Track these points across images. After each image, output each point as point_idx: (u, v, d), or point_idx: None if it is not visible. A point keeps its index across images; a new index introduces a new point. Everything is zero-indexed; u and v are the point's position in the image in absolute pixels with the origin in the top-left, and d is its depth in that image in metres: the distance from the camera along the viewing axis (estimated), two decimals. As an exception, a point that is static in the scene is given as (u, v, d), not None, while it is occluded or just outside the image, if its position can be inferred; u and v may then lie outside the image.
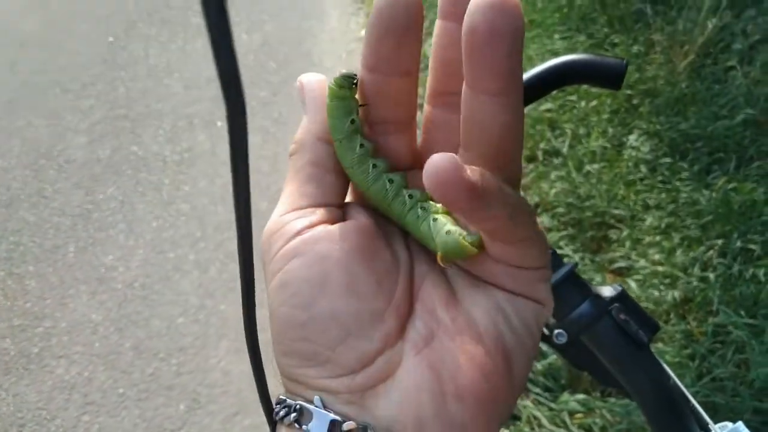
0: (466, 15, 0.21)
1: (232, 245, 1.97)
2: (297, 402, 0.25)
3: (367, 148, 0.27)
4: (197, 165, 2.27)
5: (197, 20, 3.22)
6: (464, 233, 0.24)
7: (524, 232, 0.23)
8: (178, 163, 2.27)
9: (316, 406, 0.25)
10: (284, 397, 0.26)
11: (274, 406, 0.26)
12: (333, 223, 0.26)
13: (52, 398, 1.57)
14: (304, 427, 0.24)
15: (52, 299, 1.79)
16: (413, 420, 0.24)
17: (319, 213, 0.26)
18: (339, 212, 0.27)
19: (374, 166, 0.27)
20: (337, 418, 0.24)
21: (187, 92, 2.64)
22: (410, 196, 0.26)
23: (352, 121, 0.26)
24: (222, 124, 2.47)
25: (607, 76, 0.51)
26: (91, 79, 2.71)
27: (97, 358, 1.66)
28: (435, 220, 0.25)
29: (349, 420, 0.24)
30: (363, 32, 3.15)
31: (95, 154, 2.31)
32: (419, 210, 0.26)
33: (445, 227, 0.24)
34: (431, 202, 0.26)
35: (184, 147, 2.34)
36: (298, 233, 0.25)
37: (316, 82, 0.28)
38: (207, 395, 1.58)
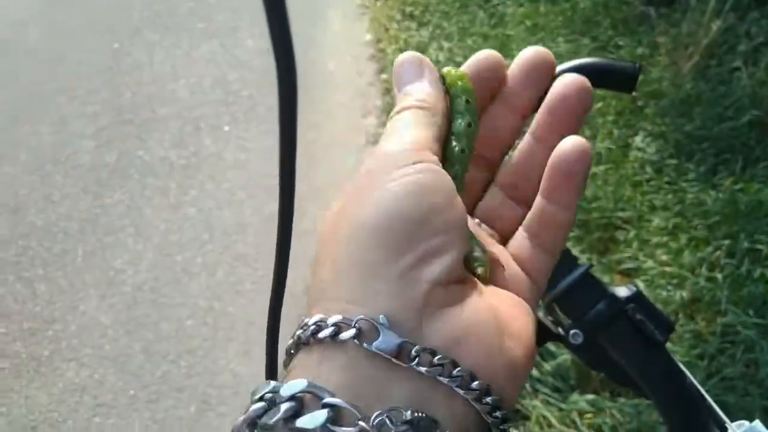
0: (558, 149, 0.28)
1: (239, 248, 1.98)
2: (357, 317, 0.23)
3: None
4: (203, 169, 2.28)
5: (202, 25, 3.23)
6: (478, 259, 0.28)
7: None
8: (184, 167, 2.28)
9: (382, 324, 0.23)
10: (323, 316, 0.24)
11: (306, 325, 0.24)
12: None
13: (63, 400, 1.57)
14: (365, 345, 0.23)
15: (61, 303, 1.79)
16: (482, 346, 0.24)
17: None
18: None
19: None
20: (408, 339, 0.23)
21: (192, 97, 2.65)
22: None
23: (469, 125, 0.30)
24: (229, 128, 2.48)
25: (621, 80, 0.51)
26: (96, 86, 2.72)
27: (107, 360, 1.66)
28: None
29: (416, 343, 0.23)
30: (367, 36, 3.17)
31: (102, 159, 2.32)
32: None
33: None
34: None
35: (190, 151, 2.35)
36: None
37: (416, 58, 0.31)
38: (217, 396, 1.58)
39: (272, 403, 0.22)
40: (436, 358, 0.23)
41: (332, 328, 0.23)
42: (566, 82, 0.30)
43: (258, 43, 3.10)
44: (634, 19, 2.64)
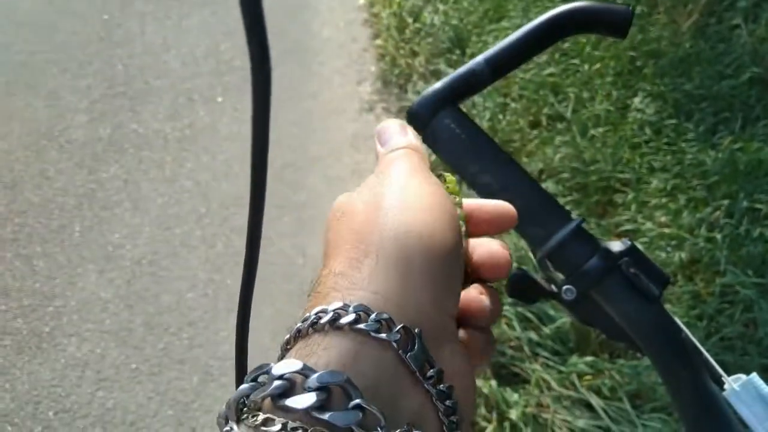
0: None
1: (237, 220, 1.98)
2: (399, 325, 0.23)
3: None
4: (199, 141, 2.26)
5: (192, -6, 3.17)
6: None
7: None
8: (179, 140, 2.26)
9: (419, 336, 0.24)
10: (366, 307, 0.24)
11: (309, 314, 0.24)
12: None
13: (66, 375, 1.59)
14: (401, 352, 0.23)
15: (60, 279, 1.80)
16: (465, 392, 0.26)
17: None
18: None
19: None
20: (431, 358, 0.24)
21: (185, 68, 2.61)
22: None
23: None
24: (222, 100, 2.46)
25: (613, 24, 0.49)
26: (88, 58, 2.68)
27: (108, 335, 1.67)
28: None
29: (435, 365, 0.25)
30: (361, 1, 3.11)
31: (96, 133, 2.30)
32: None
33: None
34: None
35: (184, 123, 2.33)
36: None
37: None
38: (219, 368, 1.59)
39: (262, 384, 0.22)
40: (441, 385, 0.24)
41: (375, 323, 0.23)
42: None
43: (250, 10, 3.04)
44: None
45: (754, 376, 0.46)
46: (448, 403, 0.24)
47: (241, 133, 2.28)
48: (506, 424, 1.37)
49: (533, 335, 1.53)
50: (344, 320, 0.23)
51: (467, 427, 0.25)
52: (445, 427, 0.24)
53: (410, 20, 2.80)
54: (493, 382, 1.44)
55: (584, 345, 1.51)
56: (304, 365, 0.22)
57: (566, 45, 2.33)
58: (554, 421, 1.37)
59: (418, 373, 0.23)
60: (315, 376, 0.21)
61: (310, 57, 2.73)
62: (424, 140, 0.53)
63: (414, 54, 2.63)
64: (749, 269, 1.58)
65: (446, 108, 0.51)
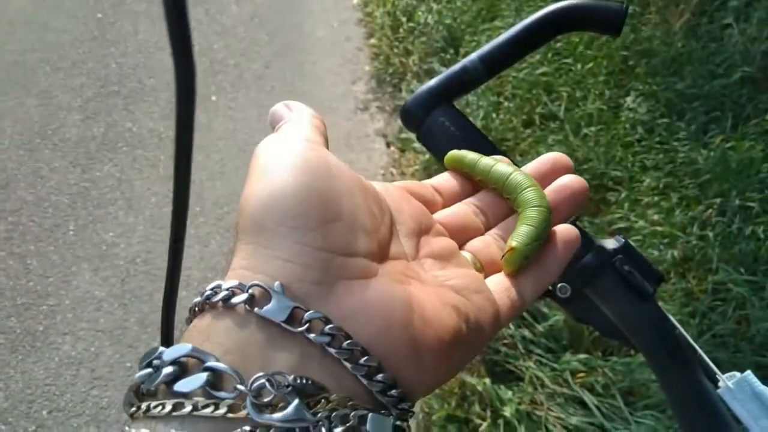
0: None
1: (231, 218, 1.98)
2: (252, 282, 0.23)
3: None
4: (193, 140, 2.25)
5: (186, -7, 3.16)
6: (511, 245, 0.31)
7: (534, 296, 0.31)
8: (173, 139, 2.25)
9: (276, 290, 0.23)
10: (220, 282, 0.24)
11: (204, 291, 0.24)
12: None
13: (60, 374, 1.58)
14: (256, 309, 0.22)
15: (54, 277, 1.79)
16: (382, 320, 0.24)
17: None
18: None
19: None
20: (300, 305, 0.23)
21: (179, 67, 2.61)
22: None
23: None
24: (216, 98, 2.45)
25: (607, 21, 0.50)
26: (82, 57, 2.67)
27: (102, 333, 1.67)
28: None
29: (310, 309, 0.23)
30: (355, 1, 3.11)
31: (90, 132, 2.29)
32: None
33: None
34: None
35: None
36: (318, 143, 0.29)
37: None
38: (213, 367, 1.59)
39: (157, 369, 0.22)
40: (328, 327, 0.23)
41: (225, 292, 0.23)
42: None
43: (243, 9, 3.04)
44: (625, -24, 2.60)
45: (749, 373, 0.46)
46: (345, 345, 0.23)
47: (235, 132, 2.28)
48: (500, 421, 1.38)
49: (527, 333, 1.54)
50: (200, 301, 0.24)
51: (401, 364, 0.24)
52: (351, 370, 0.23)
53: (404, 19, 2.80)
54: (487, 380, 1.44)
55: (577, 342, 1.51)
56: (160, 350, 0.22)
57: (559, 44, 2.34)
58: (548, 419, 1.38)
59: (284, 324, 0.22)
60: (163, 353, 0.22)
61: (303, 56, 2.73)
62: (419, 138, 0.53)
63: (408, 53, 2.64)
64: (741, 267, 1.59)
65: (440, 106, 0.52)
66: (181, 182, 0.24)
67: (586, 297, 0.50)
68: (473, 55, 0.52)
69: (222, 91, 2.49)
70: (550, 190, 0.34)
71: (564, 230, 0.32)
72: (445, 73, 0.52)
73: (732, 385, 0.46)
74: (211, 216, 1.97)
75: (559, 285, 0.50)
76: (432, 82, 0.52)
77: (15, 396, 1.54)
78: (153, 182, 2.09)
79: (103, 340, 1.65)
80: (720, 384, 0.47)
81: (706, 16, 2.32)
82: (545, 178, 0.35)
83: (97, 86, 2.51)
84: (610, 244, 0.50)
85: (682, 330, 0.51)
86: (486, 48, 0.52)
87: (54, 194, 2.05)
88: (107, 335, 1.66)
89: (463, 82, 0.52)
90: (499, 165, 0.35)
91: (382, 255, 0.27)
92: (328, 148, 0.29)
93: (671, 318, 0.50)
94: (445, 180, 0.37)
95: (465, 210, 0.35)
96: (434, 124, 0.51)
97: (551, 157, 0.36)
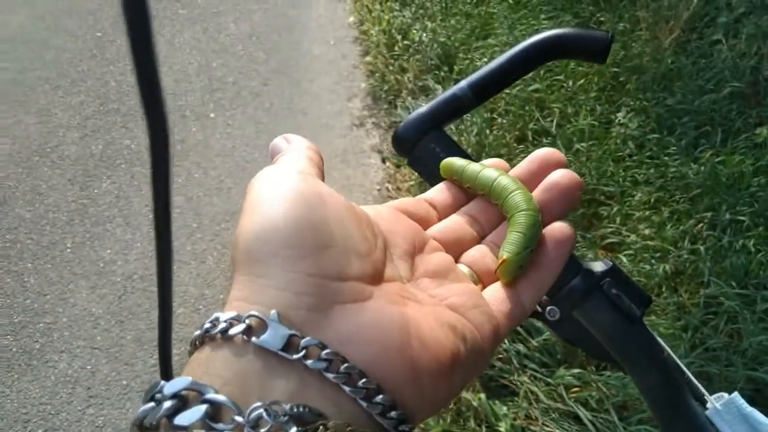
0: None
1: (228, 235, 1.99)
2: (248, 313, 0.23)
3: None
4: (191, 156, 2.27)
5: (184, 11, 3.21)
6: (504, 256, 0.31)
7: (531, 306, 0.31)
8: (171, 156, 2.27)
9: (272, 319, 0.23)
10: (219, 315, 0.24)
11: (205, 325, 0.24)
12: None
13: (56, 393, 1.59)
14: (253, 339, 0.23)
15: (51, 295, 1.80)
16: (378, 343, 0.24)
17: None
18: None
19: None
20: (296, 332, 0.23)
21: (177, 84, 2.64)
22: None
23: None
24: (214, 116, 2.48)
25: (592, 49, 0.50)
26: (81, 75, 2.70)
27: (99, 351, 1.67)
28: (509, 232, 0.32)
29: (306, 336, 0.23)
30: (351, 18, 3.15)
31: (88, 150, 2.31)
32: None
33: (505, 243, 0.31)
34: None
35: (176, 139, 2.34)
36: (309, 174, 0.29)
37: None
38: (210, 383, 1.60)
39: (158, 403, 0.22)
40: (324, 352, 0.23)
41: (224, 324, 0.23)
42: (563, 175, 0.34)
43: (241, 27, 3.08)
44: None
45: (736, 395, 0.46)
46: (342, 369, 0.23)
47: (233, 149, 2.30)
48: (495, 436, 1.39)
49: (521, 347, 1.55)
50: (199, 334, 0.24)
51: (400, 386, 0.24)
52: (349, 393, 0.23)
53: (399, 37, 2.84)
54: (482, 395, 1.45)
55: (571, 357, 1.52)
56: (161, 384, 0.22)
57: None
58: (542, 433, 1.38)
59: (281, 353, 0.23)
60: (164, 386, 0.22)
61: (301, 74, 2.75)
62: (410, 163, 0.54)
63: (403, 70, 2.66)
64: (733, 280, 1.60)
65: (431, 132, 0.53)
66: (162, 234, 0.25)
67: (575, 320, 0.51)
68: (463, 83, 0.53)
69: (220, 109, 2.51)
70: (540, 189, 0.33)
71: (557, 229, 0.32)
72: (436, 99, 0.54)
73: (720, 406, 0.46)
74: (208, 232, 1.99)
75: (548, 308, 0.51)
76: (423, 108, 0.54)
77: (10, 416, 1.54)
78: (150, 199, 2.10)
79: (100, 358, 1.66)
80: (708, 405, 0.47)
81: (696, 33, 2.36)
82: (536, 177, 0.34)
83: (96, 104, 2.54)
84: (598, 267, 0.50)
85: (671, 352, 0.51)
86: (475, 76, 0.53)
87: (52, 211, 2.06)
88: (104, 353, 1.67)
89: (453, 109, 0.53)
90: (485, 171, 0.35)
91: (376, 278, 0.27)
92: (323, 179, 0.30)
93: (659, 340, 0.51)
94: (440, 192, 0.37)
95: (459, 221, 0.35)
96: (425, 150, 0.53)
97: (540, 155, 0.35)
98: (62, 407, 1.56)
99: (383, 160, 2.30)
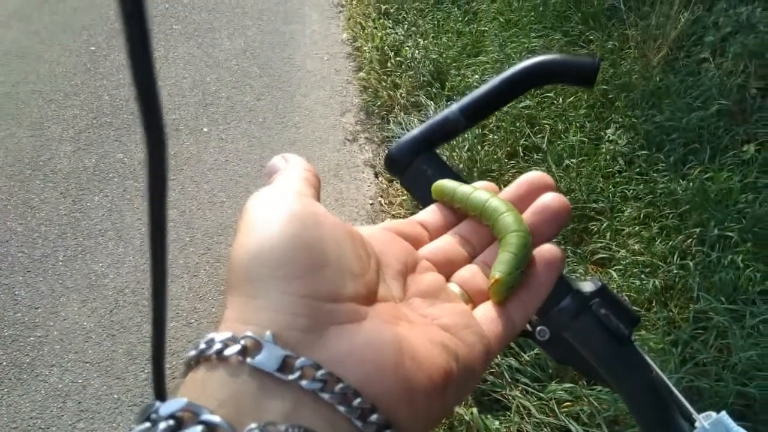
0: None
1: (221, 249, 1.99)
2: (243, 334, 0.23)
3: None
4: (184, 171, 2.28)
5: (178, 27, 3.22)
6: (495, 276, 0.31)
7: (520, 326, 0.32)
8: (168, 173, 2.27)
9: (267, 340, 0.23)
10: (214, 335, 0.24)
11: (200, 345, 0.24)
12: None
13: (47, 407, 1.58)
14: (248, 360, 0.23)
15: (42, 308, 1.79)
16: (373, 362, 0.24)
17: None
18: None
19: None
20: (291, 353, 0.23)
21: (170, 99, 2.65)
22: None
23: None
24: (207, 130, 2.49)
25: (580, 75, 0.52)
26: (74, 89, 2.71)
27: (90, 365, 1.67)
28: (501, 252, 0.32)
29: (301, 357, 0.23)
30: (344, 35, 3.18)
31: (81, 163, 2.32)
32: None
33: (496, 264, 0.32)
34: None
35: (170, 153, 2.34)
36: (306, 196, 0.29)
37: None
38: (201, 397, 1.59)
39: (154, 423, 0.22)
40: (319, 373, 0.23)
41: (219, 345, 0.23)
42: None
43: (234, 43, 3.10)
44: (603, 13, 2.68)
45: (724, 414, 0.47)
46: (337, 389, 0.23)
47: (226, 163, 2.31)
48: (487, 450, 1.39)
49: (513, 361, 1.55)
50: (194, 355, 0.24)
51: (394, 405, 0.24)
52: (344, 413, 0.23)
53: (392, 54, 2.87)
54: (475, 410, 1.46)
55: (563, 372, 1.53)
56: (156, 405, 0.22)
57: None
58: (534, 448, 1.39)
59: (276, 373, 0.23)
60: (159, 408, 0.22)
61: (294, 89, 2.77)
62: (402, 183, 0.56)
63: (396, 86, 2.69)
64: (722, 295, 1.61)
65: (423, 153, 0.54)
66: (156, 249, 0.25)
67: (565, 339, 0.51)
68: (454, 107, 0.54)
69: (214, 123, 2.52)
70: (530, 211, 0.34)
71: (547, 251, 0.33)
72: (428, 122, 0.55)
73: (708, 425, 0.47)
74: (200, 246, 1.99)
75: (538, 328, 0.52)
76: (415, 131, 0.55)
77: (0, 430, 1.53)
78: (143, 213, 2.10)
79: (91, 372, 1.65)
80: (696, 424, 0.48)
81: (684, 51, 2.39)
82: (525, 200, 0.35)
83: (89, 118, 2.54)
84: (588, 287, 0.51)
85: (659, 371, 0.52)
86: (466, 99, 0.54)
87: (44, 225, 2.06)
88: (95, 366, 1.66)
89: (445, 132, 0.55)
90: (476, 192, 0.35)
91: (370, 298, 0.27)
92: (319, 198, 0.30)
93: (648, 359, 0.51)
94: (431, 213, 0.38)
95: (450, 242, 0.35)
96: (416, 171, 0.54)
97: (528, 178, 0.35)
98: (53, 421, 1.55)
99: (376, 175, 2.31)
